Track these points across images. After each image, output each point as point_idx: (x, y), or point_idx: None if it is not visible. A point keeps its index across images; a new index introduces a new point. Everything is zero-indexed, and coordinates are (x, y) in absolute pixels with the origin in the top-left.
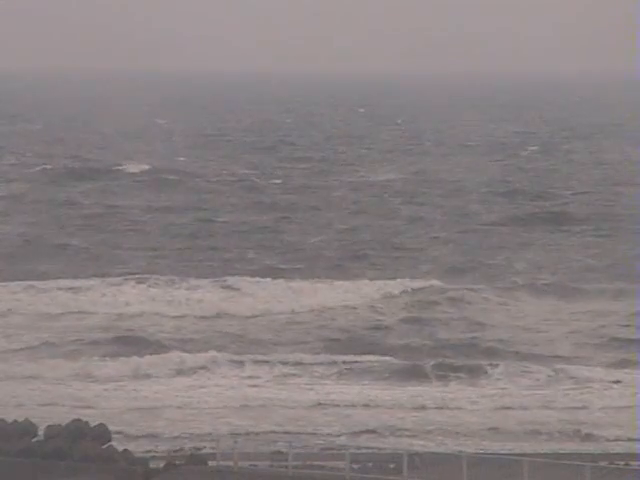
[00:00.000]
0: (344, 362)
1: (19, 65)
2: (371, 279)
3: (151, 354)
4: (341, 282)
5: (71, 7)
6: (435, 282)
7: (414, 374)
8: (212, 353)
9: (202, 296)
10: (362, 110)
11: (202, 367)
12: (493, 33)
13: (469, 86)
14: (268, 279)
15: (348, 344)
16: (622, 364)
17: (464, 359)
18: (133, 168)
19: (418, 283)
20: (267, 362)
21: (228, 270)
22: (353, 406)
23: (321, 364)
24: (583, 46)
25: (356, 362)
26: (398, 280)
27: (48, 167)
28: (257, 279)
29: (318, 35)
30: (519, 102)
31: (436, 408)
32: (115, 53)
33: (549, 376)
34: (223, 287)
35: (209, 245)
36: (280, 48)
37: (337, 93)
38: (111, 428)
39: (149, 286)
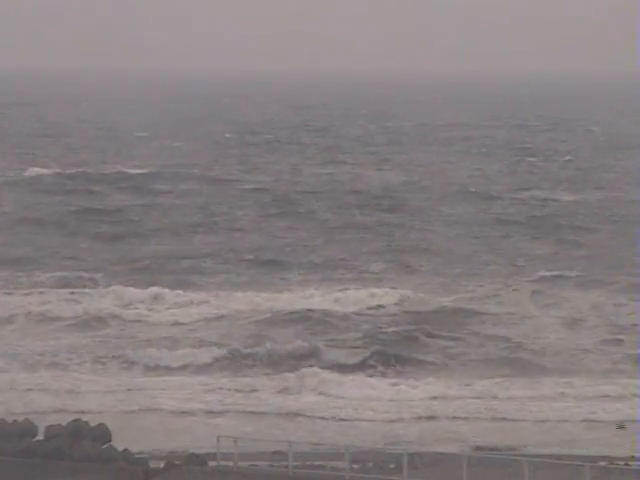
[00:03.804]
0: None
1: (18, 65)
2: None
3: None
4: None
5: (70, 7)
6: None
7: None
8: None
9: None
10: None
11: None
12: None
13: (466, 86)
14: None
15: None
16: None
17: None
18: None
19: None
20: None
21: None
22: None
23: None
24: (583, 46)
25: None
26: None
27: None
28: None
29: (317, 34)
30: (513, 101)
31: None
32: (114, 52)
33: None
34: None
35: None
36: (277, 46)
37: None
38: None
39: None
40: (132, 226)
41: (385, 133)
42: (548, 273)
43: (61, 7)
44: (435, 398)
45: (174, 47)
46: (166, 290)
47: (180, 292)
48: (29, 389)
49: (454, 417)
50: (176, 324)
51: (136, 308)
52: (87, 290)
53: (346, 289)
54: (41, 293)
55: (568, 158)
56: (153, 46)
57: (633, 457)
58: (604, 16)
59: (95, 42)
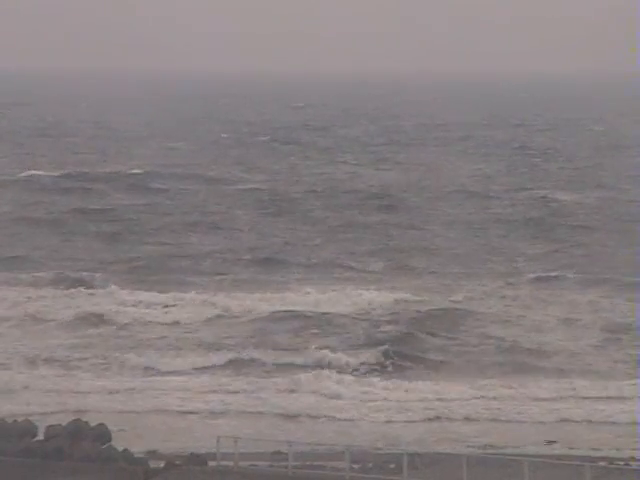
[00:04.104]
0: None
1: (18, 65)
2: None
3: None
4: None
5: (70, 7)
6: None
7: None
8: None
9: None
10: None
11: None
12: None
13: (466, 86)
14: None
15: None
16: None
17: None
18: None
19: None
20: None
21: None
22: None
23: None
24: (583, 46)
25: None
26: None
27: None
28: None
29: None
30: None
31: None
32: (114, 52)
33: None
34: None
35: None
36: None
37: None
38: None
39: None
40: (130, 226)
41: (385, 133)
42: (546, 273)
43: (61, 7)
44: (435, 398)
45: (174, 47)
46: (164, 290)
47: (178, 292)
48: (26, 387)
49: (454, 417)
50: (174, 324)
51: (134, 306)
52: (85, 290)
53: (344, 288)
54: (38, 292)
55: (567, 158)
56: (153, 46)
57: (633, 457)
58: (604, 16)
59: (95, 42)
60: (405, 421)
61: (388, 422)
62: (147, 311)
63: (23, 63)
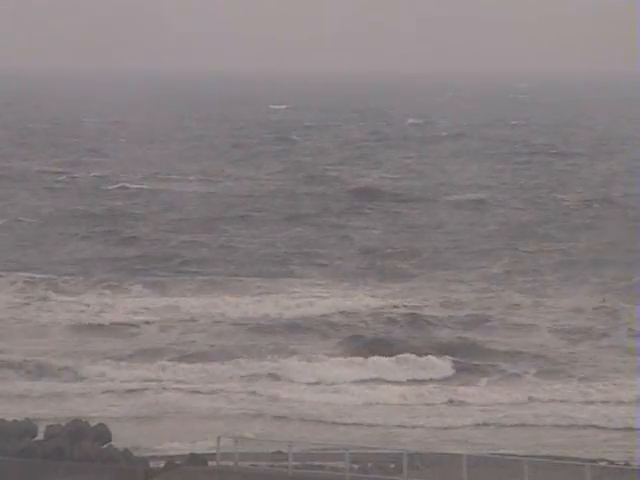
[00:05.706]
0: None
1: (18, 65)
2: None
3: None
4: None
5: (70, 7)
6: None
7: None
8: None
9: None
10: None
11: None
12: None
13: (465, 86)
14: None
15: None
16: None
17: None
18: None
19: None
20: None
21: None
22: None
23: None
24: (583, 46)
25: None
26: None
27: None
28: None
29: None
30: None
31: None
32: (114, 52)
33: None
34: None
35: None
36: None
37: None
38: None
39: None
40: (123, 227)
41: (381, 133)
42: (541, 276)
43: (61, 7)
44: (434, 401)
45: (174, 47)
46: (146, 292)
47: (170, 295)
48: (24, 392)
49: (455, 420)
50: (170, 325)
51: (116, 309)
52: (71, 292)
53: (330, 291)
54: (16, 295)
55: (567, 157)
56: (153, 46)
57: (633, 457)
58: (604, 16)
59: (95, 42)
60: (403, 423)
61: (387, 424)
62: (139, 315)
63: (23, 63)
